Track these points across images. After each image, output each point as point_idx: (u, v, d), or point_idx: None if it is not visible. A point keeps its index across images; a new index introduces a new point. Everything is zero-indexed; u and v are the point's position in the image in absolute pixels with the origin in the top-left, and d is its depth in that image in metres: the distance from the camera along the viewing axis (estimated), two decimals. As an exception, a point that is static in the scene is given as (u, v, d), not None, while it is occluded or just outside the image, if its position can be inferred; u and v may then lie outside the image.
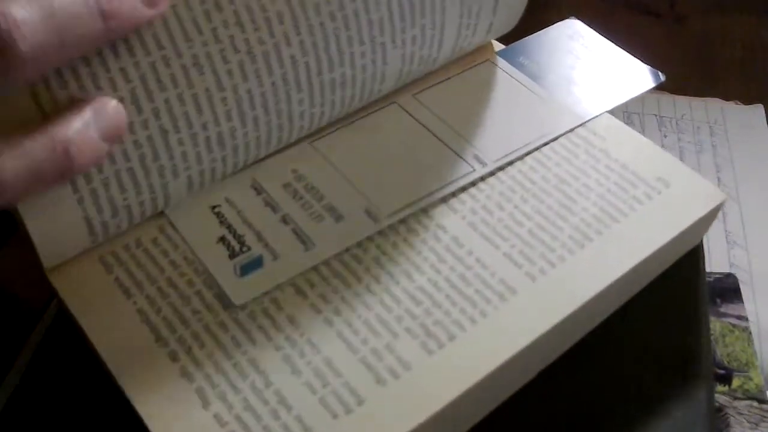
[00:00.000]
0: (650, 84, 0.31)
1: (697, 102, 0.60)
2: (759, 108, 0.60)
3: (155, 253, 0.24)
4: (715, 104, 0.60)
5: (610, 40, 0.32)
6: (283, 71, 0.23)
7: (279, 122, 0.24)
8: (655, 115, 0.60)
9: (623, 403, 0.26)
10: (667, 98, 0.61)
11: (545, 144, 0.28)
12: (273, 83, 0.23)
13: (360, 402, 0.21)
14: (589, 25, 0.32)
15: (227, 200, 0.25)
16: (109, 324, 0.22)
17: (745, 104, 0.60)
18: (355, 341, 0.22)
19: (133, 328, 0.22)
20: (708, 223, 0.28)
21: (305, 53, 0.23)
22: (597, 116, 0.29)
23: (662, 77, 0.31)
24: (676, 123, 0.59)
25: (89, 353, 0.22)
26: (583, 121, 0.28)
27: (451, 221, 0.25)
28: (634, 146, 0.28)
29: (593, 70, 0.31)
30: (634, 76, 0.31)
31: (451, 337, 0.22)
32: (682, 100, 0.60)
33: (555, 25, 0.32)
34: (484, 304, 0.23)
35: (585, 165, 0.27)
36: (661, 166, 0.27)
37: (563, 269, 0.24)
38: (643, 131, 0.59)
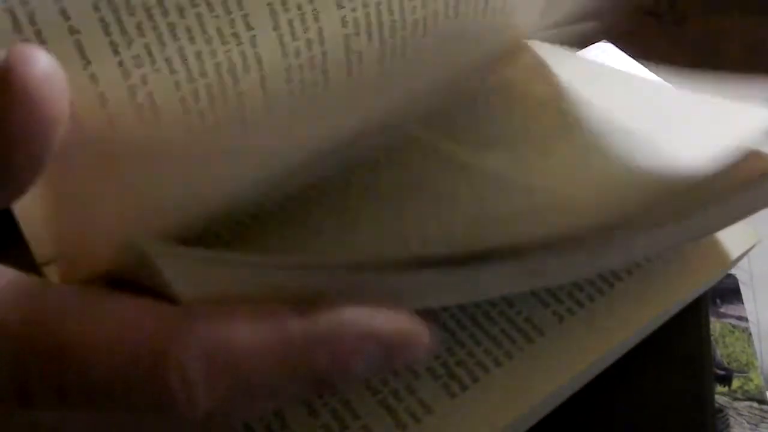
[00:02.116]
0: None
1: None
2: (759, 108, 0.60)
3: None
4: (715, 104, 0.60)
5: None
6: None
7: None
8: (655, 116, 0.59)
9: (623, 404, 0.26)
10: (667, 98, 0.60)
11: None
12: None
13: None
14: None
15: None
16: None
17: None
18: (374, 381, 0.21)
19: None
20: (736, 262, 0.28)
21: None
22: None
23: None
24: (676, 123, 0.59)
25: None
26: None
27: None
28: None
29: None
30: None
31: (475, 379, 0.22)
32: (682, 101, 0.60)
33: (587, 48, 0.32)
34: (510, 345, 0.22)
35: None
36: None
37: (592, 310, 0.23)
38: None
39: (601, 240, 0.19)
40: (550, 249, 0.18)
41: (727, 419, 0.36)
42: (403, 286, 0.16)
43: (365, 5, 0.20)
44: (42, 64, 0.14)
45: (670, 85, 0.30)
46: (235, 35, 0.17)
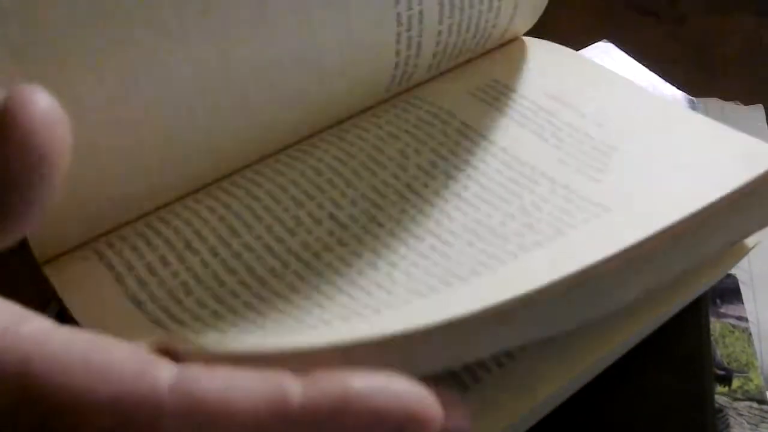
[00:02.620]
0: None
1: (696, 102, 0.60)
2: (759, 108, 0.59)
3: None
4: (715, 104, 0.60)
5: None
6: None
7: None
8: (655, 116, 0.59)
9: (623, 404, 0.26)
10: (667, 98, 0.60)
11: None
12: None
13: None
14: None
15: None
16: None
17: (745, 104, 0.60)
18: None
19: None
20: (736, 262, 0.28)
21: None
22: None
23: (698, 105, 0.31)
24: (676, 123, 0.59)
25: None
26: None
27: None
28: None
29: None
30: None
31: (477, 379, 0.22)
32: (682, 101, 0.60)
33: (587, 48, 0.32)
34: None
35: None
36: None
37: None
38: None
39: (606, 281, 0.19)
40: (560, 299, 0.18)
41: (727, 419, 0.36)
42: (413, 350, 0.16)
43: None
44: (42, 106, 0.14)
45: (667, 97, 0.30)
46: None
